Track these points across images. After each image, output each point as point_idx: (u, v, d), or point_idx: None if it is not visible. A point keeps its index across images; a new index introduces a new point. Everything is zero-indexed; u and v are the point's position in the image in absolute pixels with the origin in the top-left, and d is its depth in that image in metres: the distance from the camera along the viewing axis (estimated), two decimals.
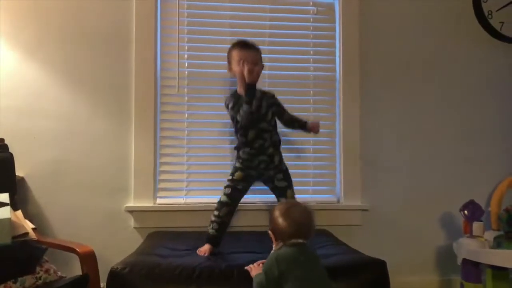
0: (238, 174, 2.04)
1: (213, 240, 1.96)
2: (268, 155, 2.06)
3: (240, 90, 2.03)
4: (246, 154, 2.05)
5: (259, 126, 2.04)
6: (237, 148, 2.11)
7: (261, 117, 2.05)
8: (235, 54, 2.05)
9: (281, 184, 2.10)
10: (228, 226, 2.03)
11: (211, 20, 2.45)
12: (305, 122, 2.20)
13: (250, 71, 1.94)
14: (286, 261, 1.42)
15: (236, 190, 2.03)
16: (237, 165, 2.08)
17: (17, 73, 2.31)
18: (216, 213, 2.01)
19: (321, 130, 2.47)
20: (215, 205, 2.04)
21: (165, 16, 2.43)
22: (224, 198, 2.02)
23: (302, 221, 1.51)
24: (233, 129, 2.15)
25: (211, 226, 1.99)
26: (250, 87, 1.96)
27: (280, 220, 1.50)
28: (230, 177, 2.06)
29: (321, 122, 2.46)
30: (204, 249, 1.90)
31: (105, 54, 2.37)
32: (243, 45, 2.07)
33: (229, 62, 2.10)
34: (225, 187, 2.05)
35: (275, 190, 2.13)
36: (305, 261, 1.45)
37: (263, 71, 2.42)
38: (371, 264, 1.73)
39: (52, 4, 2.34)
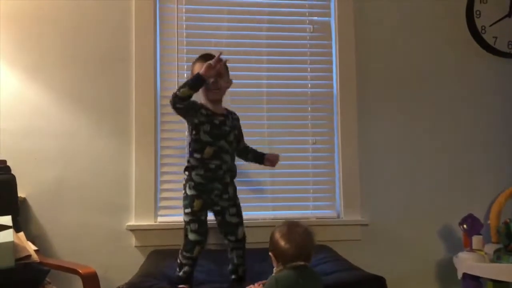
0: (197, 203, 1.80)
1: (188, 281, 1.78)
2: (222, 184, 1.86)
3: (205, 101, 1.91)
4: (200, 177, 1.82)
5: (218, 144, 1.84)
6: (188, 169, 1.86)
7: (222, 135, 1.87)
8: (198, 66, 1.87)
9: (233, 220, 1.90)
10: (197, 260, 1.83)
11: (210, 39, 2.49)
12: (263, 154, 2.07)
13: (216, 88, 1.85)
14: (286, 284, 1.43)
15: (201, 222, 1.81)
16: (190, 192, 1.82)
17: (18, 94, 2.34)
18: (187, 254, 1.78)
19: (320, 146, 2.53)
20: (183, 245, 1.82)
21: (164, 36, 2.47)
22: (194, 237, 1.78)
23: (304, 243, 1.50)
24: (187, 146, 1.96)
25: (183, 270, 1.78)
26: (199, 78, 1.76)
27: (282, 243, 1.49)
28: (188, 210, 1.81)
29: (320, 138, 2.53)
30: None
31: (105, 73, 2.40)
32: (207, 57, 1.87)
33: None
34: (188, 222, 1.80)
35: (224, 226, 1.91)
36: (305, 284, 1.46)
37: (261, 89, 2.51)
38: (371, 280, 1.74)
39: (53, 26, 2.38)
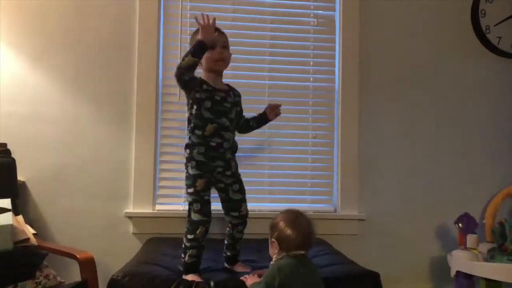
0: (200, 183, 1.75)
1: (195, 268, 1.74)
2: (225, 161, 1.81)
3: (205, 76, 1.84)
4: (202, 155, 1.76)
5: (219, 121, 1.78)
6: (189, 147, 1.79)
7: (224, 112, 1.80)
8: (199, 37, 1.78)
9: (236, 196, 1.85)
10: (204, 248, 1.78)
11: None
12: (263, 112, 2.00)
13: (222, 59, 1.82)
14: (287, 272, 1.45)
15: (205, 202, 1.76)
16: (193, 171, 1.77)
17: (20, 79, 2.34)
18: (190, 236, 1.73)
19: (320, 140, 2.54)
20: (185, 228, 1.77)
21: (167, 25, 2.46)
22: (196, 217, 1.73)
23: (309, 231, 1.53)
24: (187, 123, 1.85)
25: (188, 254, 1.73)
26: (201, 43, 1.72)
27: (288, 230, 1.50)
28: (191, 190, 1.75)
29: (320, 132, 2.54)
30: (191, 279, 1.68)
31: (108, 61, 2.40)
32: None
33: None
34: (191, 203, 1.75)
35: (228, 202, 1.86)
36: (305, 272, 1.48)
37: (263, 81, 2.51)
38: (365, 275, 1.76)
39: (56, 13, 2.37)
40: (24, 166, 2.26)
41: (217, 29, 1.84)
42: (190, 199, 1.77)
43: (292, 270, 1.46)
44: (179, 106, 2.44)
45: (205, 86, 1.80)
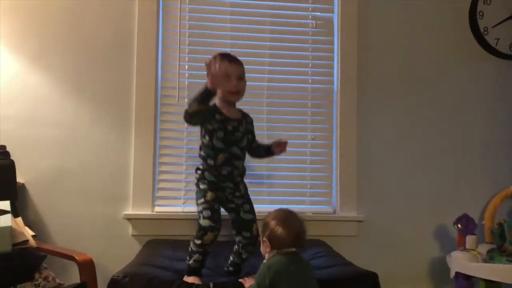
0: (210, 194, 1.79)
1: (197, 272, 1.75)
2: (234, 183, 1.86)
3: (219, 104, 1.87)
4: (213, 177, 1.83)
5: (231, 151, 1.83)
6: (201, 170, 1.86)
7: (235, 141, 1.85)
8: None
9: (247, 216, 1.86)
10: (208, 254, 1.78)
11: (212, 31, 2.49)
12: (270, 145, 1.99)
13: (237, 91, 1.84)
14: (277, 269, 1.45)
15: (215, 210, 1.77)
16: (203, 186, 1.83)
17: (19, 80, 2.34)
18: (198, 241, 1.72)
19: (319, 142, 2.55)
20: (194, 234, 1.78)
21: (166, 27, 2.47)
22: (206, 222, 1.72)
23: (300, 229, 1.54)
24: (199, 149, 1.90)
25: (193, 258, 1.74)
26: (207, 92, 1.72)
27: (279, 229, 1.51)
28: (201, 200, 1.79)
29: (319, 134, 2.55)
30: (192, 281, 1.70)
31: (107, 63, 2.40)
32: (229, 59, 1.85)
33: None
34: (201, 211, 1.76)
35: (239, 223, 1.86)
36: (297, 270, 1.48)
37: (262, 83, 2.52)
38: (363, 276, 1.76)
39: (55, 13, 2.37)
40: (24, 168, 2.26)
41: (234, 59, 1.87)
42: (200, 208, 1.78)
43: (283, 267, 1.46)
44: (178, 108, 2.44)
45: (218, 116, 1.82)
